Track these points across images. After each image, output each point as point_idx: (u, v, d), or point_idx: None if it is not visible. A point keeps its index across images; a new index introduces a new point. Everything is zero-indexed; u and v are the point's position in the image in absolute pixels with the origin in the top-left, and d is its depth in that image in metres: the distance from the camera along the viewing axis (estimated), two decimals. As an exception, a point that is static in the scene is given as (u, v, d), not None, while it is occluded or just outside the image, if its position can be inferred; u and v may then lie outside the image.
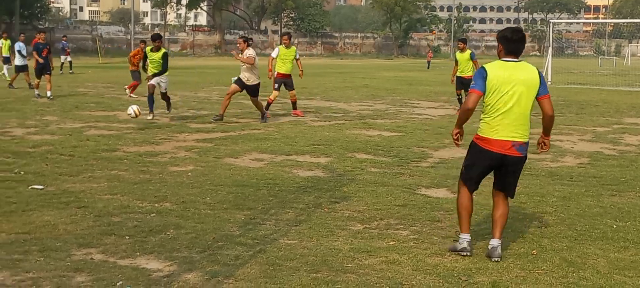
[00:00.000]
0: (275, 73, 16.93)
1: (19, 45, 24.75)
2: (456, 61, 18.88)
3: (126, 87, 22.38)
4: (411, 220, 7.01)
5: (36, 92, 20.17)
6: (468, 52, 18.58)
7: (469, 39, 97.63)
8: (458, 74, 18.64)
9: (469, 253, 5.83)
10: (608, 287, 5.19)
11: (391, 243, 6.19)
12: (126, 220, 6.78)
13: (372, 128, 14.74)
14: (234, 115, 16.75)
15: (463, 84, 18.42)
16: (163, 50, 15.60)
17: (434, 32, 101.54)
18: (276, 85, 16.86)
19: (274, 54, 16.96)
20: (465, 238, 5.89)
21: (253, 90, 15.28)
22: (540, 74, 5.83)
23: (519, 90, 5.67)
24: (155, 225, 6.57)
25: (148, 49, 15.71)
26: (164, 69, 15.47)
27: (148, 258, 5.63)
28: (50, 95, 19.71)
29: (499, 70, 5.73)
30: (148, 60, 15.57)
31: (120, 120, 14.96)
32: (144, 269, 5.35)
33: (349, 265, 5.53)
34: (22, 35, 27.57)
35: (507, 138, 5.72)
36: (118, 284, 5.02)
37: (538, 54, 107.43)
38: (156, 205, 7.44)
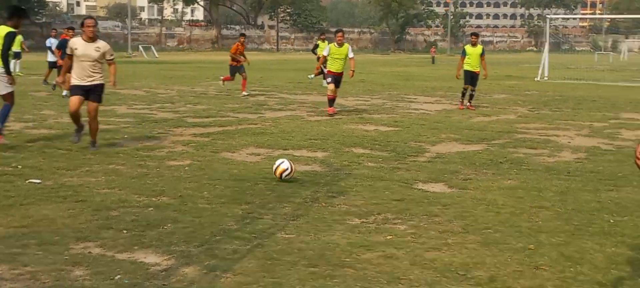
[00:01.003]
0: (327, 70, 16.55)
1: (50, 41, 24.52)
2: (463, 54, 18.15)
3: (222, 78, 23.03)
4: (408, 215, 7.01)
5: (64, 93, 19.57)
6: (480, 47, 18.08)
7: (465, 34, 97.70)
8: (468, 68, 17.96)
9: None
10: (606, 282, 5.19)
11: (388, 237, 6.19)
12: (124, 214, 6.78)
13: (369, 123, 14.74)
14: (231, 109, 16.75)
15: (472, 78, 17.97)
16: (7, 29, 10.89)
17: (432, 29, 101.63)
18: (330, 79, 16.32)
19: (325, 52, 16.47)
20: None
21: (99, 93, 10.66)
22: None
23: None
24: (153, 219, 6.57)
25: None
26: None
27: (146, 252, 5.63)
28: (66, 94, 19.46)
29: None
30: None
31: (118, 114, 14.95)
32: (141, 263, 5.36)
33: (347, 260, 5.54)
34: (53, 30, 27.41)
35: None
36: (116, 278, 5.02)
37: (534, 49, 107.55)
38: (154, 199, 7.44)
